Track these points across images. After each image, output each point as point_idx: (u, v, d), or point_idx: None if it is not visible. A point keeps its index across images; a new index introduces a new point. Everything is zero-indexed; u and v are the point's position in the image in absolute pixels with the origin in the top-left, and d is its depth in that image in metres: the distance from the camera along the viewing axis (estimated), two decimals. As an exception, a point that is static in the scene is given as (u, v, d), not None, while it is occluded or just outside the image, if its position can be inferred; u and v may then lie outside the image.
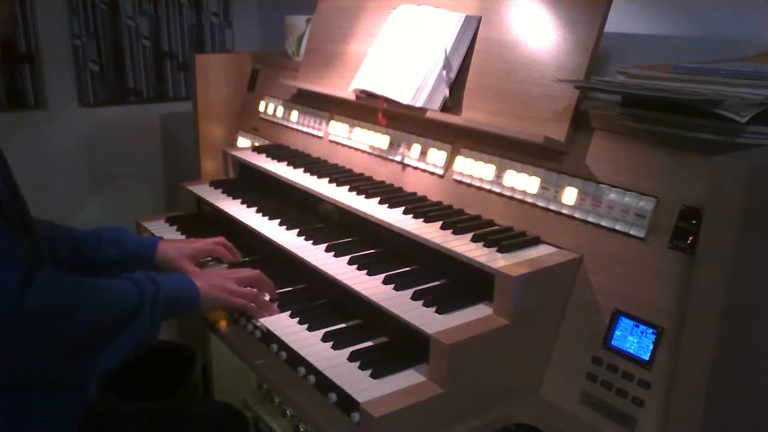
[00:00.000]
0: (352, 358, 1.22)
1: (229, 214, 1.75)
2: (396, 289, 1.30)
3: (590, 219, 1.26)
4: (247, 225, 1.66)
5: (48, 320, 1.07)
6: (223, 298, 1.36)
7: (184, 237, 1.81)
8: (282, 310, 1.41)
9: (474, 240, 1.31)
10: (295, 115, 2.10)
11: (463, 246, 1.29)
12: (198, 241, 1.63)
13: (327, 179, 1.70)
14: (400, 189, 1.64)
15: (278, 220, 1.64)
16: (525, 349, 1.22)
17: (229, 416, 1.51)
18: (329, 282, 1.37)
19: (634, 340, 1.15)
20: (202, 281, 1.35)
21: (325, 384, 1.17)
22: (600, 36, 1.30)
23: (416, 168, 1.64)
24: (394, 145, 1.70)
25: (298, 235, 1.56)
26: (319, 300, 1.46)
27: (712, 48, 1.38)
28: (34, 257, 1.18)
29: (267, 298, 1.43)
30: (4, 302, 1.02)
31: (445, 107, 1.55)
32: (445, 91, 1.54)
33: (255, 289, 1.41)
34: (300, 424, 1.99)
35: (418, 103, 1.54)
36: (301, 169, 1.79)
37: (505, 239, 1.30)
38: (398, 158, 1.69)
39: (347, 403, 1.12)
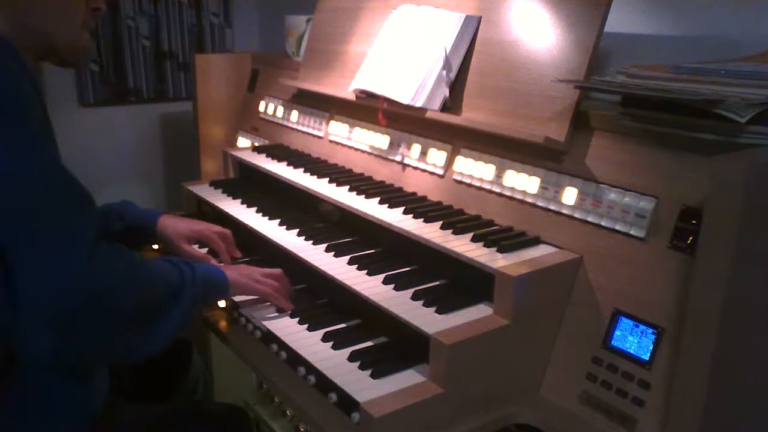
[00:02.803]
0: (352, 358, 1.22)
1: (229, 214, 1.75)
2: (396, 289, 1.30)
3: (590, 219, 1.25)
4: (247, 225, 1.66)
5: (106, 290, 1.05)
6: (250, 285, 1.38)
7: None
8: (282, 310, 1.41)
9: (474, 240, 1.31)
10: (295, 115, 2.10)
11: (463, 246, 1.29)
12: (200, 223, 1.64)
13: (327, 179, 1.70)
14: (400, 189, 1.64)
15: (278, 220, 1.65)
16: (525, 349, 1.22)
17: (234, 418, 1.51)
18: (329, 282, 1.37)
19: (634, 340, 1.15)
20: (228, 269, 1.38)
21: (325, 384, 1.17)
22: (600, 36, 1.30)
23: (416, 168, 1.64)
24: (394, 145, 1.70)
25: (298, 235, 1.56)
26: (319, 300, 1.46)
27: (712, 48, 1.38)
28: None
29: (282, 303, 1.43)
30: (74, 269, 1.00)
31: (445, 107, 1.55)
32: (445, 91, 1.54)
33: (278, 283, 1.43)
34: (300, 424, 1.99)
35: (418, 103, 1.55)
36: (301, 169, 1.79)
37: (505, 239, 1.30)
38: (398, 158, 1.69)
39: (347, 403, 1.12)
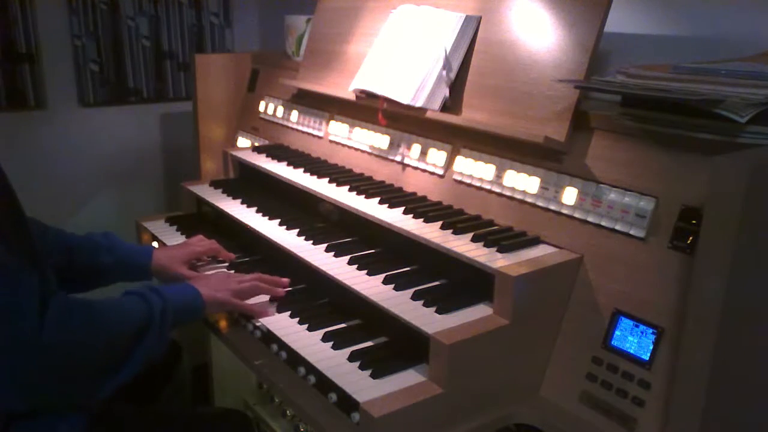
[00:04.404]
0: (352, 358, 1.22)
1: (229, 214, 1.75)
2: (396, 289, 1.30)
3: (590, 219, 1.25)
4: (247, 225, 1.66)
5: (65, 352, 1.08)
6: (228, 302, 1.37)
7: (184, 237, 1.81)
8: (282, 310, 1.41)
9: (474, 240, 1.31)
10: (295, 115, 2.10)
11: (463, 246, 1.29)
12: (186, 245, 1.64)
13: (327, 179, 1.70)
14: (400, 189, 1.64)
15: (278, 220, 1.65)
16: (525, 349, 1.22)
17: (236, 423, 1.50)
18: (329, 282, 1.37)
19: (634, 340, 1.15)
20: (204, 287, 1.36)
21: (325, 384, 1.17)
22: (600, 36, 1.30)
23: (416, 168, 1.64)
24: (394, 145, 1.70)
25: (298, 235, 1.56)
26: (319, 300, 1.46)
27: (712, 48, 1.38)
28: (41, 281, 1.17)
29: (273, 293, 1.45)
30: (24, 341, 1.03)
31: (445, 107, 1.55)
32: (445, 91, 1.54)
33: (257, 282, 1.43)
34: (300, 424, 1.99)
35: (418, 103, 1.54)
36: (301, 169, 1.79)
37: (505, 239, 1.30)
38: (398, 158, 1.69)
39: (347, 403, 1.12)
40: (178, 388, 1.72)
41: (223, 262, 1.64)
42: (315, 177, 1.73)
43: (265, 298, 1.45)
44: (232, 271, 1.56)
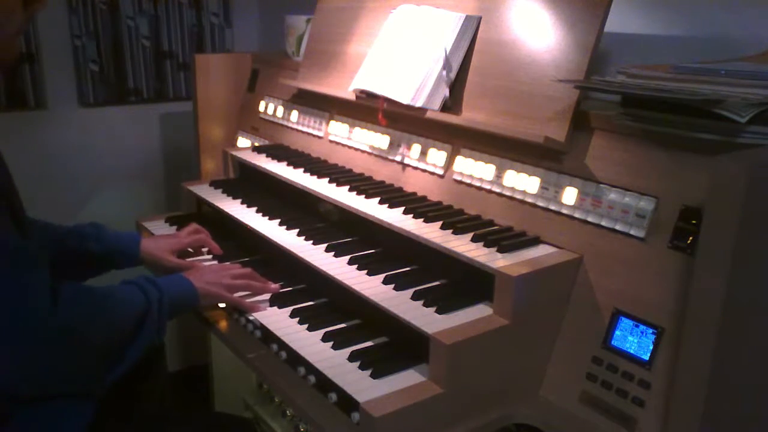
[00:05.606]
0: (352, 358, 1.22)
1: (229, 214, 1.75)
2: (396, 289, 1.30)
3: (590, 219, 1.26)
4: (247, 225, 1.66)
5: (74, 334, 1.09)
6: (221, 295, 1.39)
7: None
8: (282, 309, 1.41)
9: (474, 240, 1.31)
10: (295, 115, 2.10)
11: (463, 246, 1.29)
12: (173, 236, 1.66)
13: (327, 179, 1.70)
14: (400, 189, 1.64)
15: (278, 220, 1.65)
16: (525, 349, 1.22)
17: (237, 429, 1.50)
18: (329, 282, 1.37)
19: (634, 340, 1.15)
20: (197, 279, 1.38)
21: (325, 384, 1.17)
22: (600, 36, 1.30)
23: (416, 168, 1.64)
24: (394, 145, 1.70)
25: (298, 235, 1.56)
26: (319, 300, 1.46)
27: (712, 48, 1.38)
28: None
29: (262, 295, 1.45)
30: (38, 323, 1.04)
31: (445, 107, 1.55)
32: (445, 91, 1.54)
33: (249, 281, 1.44)
34: (300, 424, 1.99)
35: (418, 103, 1.54)
36: (301, 169, 1.79)
37: (505, 239, 1.30)
38: (398, 158, 1.69)
39: (347, 403, 1.12)
40: (155, 387, 1.70)
41: (210, 254, 1.65)
42: (315, 177, 1.73)
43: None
44: (227, 263, 1.59)
